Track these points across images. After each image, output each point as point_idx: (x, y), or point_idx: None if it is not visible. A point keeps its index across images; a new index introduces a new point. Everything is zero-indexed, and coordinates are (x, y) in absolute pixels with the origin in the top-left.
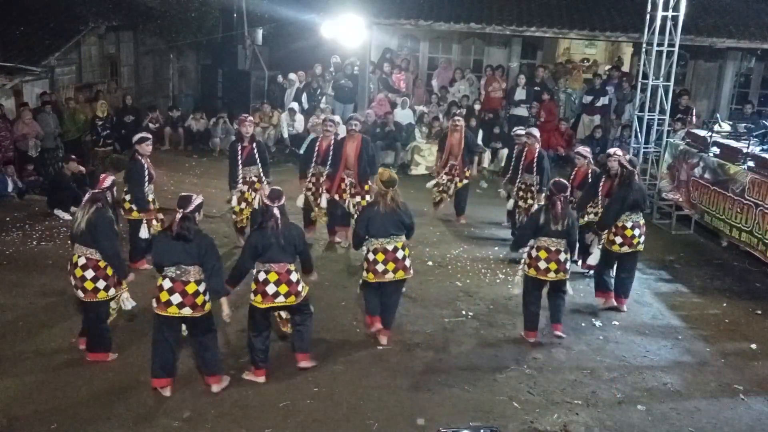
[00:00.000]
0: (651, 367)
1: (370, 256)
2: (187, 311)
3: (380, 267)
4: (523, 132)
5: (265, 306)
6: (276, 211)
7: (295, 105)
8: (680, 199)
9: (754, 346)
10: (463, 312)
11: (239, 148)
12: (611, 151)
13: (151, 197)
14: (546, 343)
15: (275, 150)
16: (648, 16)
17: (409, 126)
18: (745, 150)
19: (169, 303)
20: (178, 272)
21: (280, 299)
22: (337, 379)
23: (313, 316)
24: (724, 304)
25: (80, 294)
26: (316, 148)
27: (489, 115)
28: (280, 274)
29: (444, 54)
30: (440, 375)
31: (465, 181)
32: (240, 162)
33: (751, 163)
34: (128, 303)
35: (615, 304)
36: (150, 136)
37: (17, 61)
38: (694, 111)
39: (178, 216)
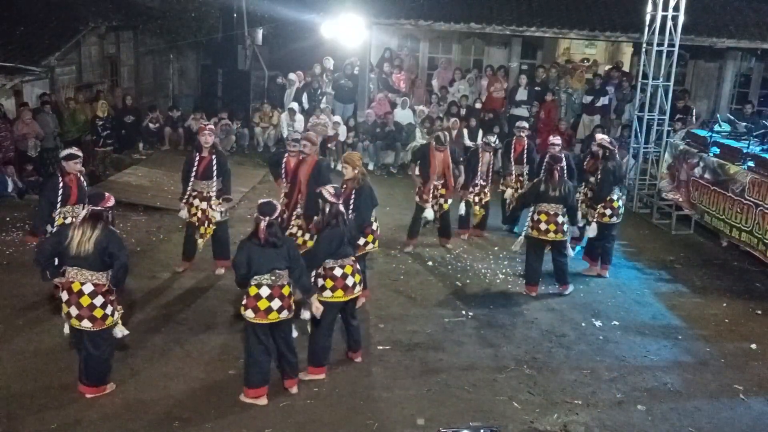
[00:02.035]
0: (651, 367)
1: (375, 225)
2: (285, 314)
3: (379, 231)
4: (494, 140)
5: (346, 299)
6: (342, 208)
7: (295, 105)
8: (680, 199)
9: (754, 346)
10: (463, 312)
11: (196, 159)
12: (597, 137)
13: (68, 220)
14: (546, 343)
15: (275, 150)
16: (648, 16)
17: (409, 126)
18: (745, 150)
19: (269, 310)
20: (273, 278)
21: (357, 289)
22: (337, 379)
23: None
24: (724, 304)
25: (87, 324)
26: (283, 165)
27: (489, 115)
28: (353, 266)
29: (444, 54)
30: (440, 375)
31: (450, 201)
32: (194, 175)
33: (751, 163)
34: (119, 331)
35: (599, 271)
36: (80, 155)
37: (17, 61)
38: (694, 111)
39: (263, 224)
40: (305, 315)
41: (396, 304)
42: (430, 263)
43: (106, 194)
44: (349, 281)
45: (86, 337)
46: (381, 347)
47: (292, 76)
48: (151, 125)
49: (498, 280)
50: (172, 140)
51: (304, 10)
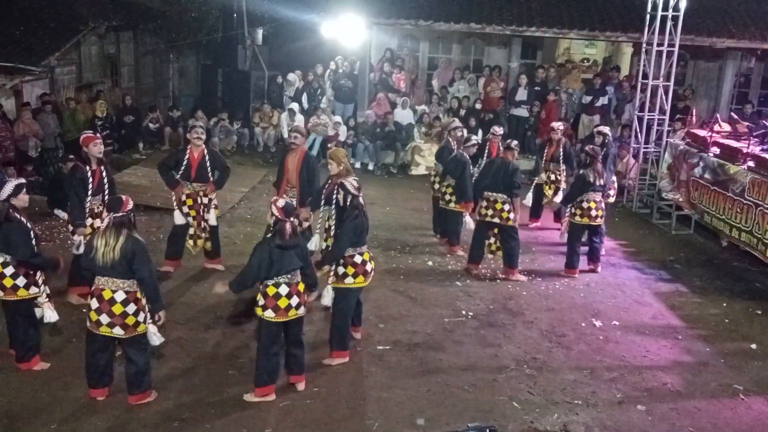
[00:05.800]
0: (651, 367)
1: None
2: (302, 311)
3: None
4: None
5: (365, 284)
6: (362, 200)
7: (295, 105)
8: (680, 199)
9: (754, 346)
10: (463, 312)
11: (88, 173)
12: (556, 125)
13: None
14: (546, 343)
15: (275, 150)
16: (648, 16)
17: (409, 126)
18: (745, 150)
19: (289, 307)
20: (290, 276)
21: (372, 275)
22: (337, 379)
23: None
24: (724, 304)
25: (119, 331)
26: (186, 160)
27: (489, 115)
28: (369, 253)
29: (444, 54)
30: (440, 375)
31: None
32: (90, 191)
33: (751, 163)
34: (156, 338)
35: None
36: (24, 182)
37: (17, 61)
38: (694, 111)
39: (288, 226)
40: (325, 301)
41: (396, 304)
42: (430, 263)
43: (124, 197)
44: (368, 267)
45: (126, 347)
46: (381, 347)
47: (291, 76)
48: (151, 125)
49: (498, 280)
50: (172, 140)
51: (304, 10)
